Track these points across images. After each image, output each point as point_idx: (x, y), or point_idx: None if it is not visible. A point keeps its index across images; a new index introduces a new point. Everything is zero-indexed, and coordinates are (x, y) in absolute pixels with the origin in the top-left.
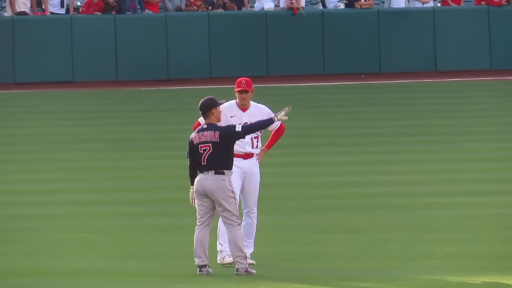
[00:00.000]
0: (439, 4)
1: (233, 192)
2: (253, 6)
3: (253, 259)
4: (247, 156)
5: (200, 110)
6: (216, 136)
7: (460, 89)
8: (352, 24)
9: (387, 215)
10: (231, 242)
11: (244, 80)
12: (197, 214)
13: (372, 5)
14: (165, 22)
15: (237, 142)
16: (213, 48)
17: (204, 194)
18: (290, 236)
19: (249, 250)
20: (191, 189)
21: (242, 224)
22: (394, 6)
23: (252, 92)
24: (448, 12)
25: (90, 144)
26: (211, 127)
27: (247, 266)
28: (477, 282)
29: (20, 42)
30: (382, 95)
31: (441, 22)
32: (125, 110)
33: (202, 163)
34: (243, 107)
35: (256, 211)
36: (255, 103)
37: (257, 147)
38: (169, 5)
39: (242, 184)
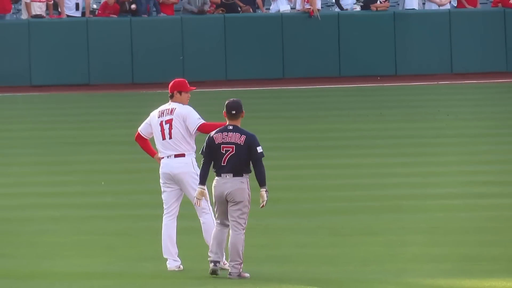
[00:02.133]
0: (455, 6)
1: (249, 195)
2: (269, 9)
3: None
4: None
5: (233, 110)
6: (242, 140)
7: (476, 91)
8: (368, 26)
9: (403, 217)
10: (232, 245)
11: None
12: (215, 215)
13: (388, 7)
14: (181, 25)
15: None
16: (228, 50)
17: (224, 199)
18: (306, 238)
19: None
20: (199, 188)
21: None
22: (407, 7)
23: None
24: (464, 14)
25: (106, 146)
26: (237, 129)
27: (241, 271)
28: (494, 284)
29: (36, 45)
30: (398, 97)
31: (457, 24)
32: (141, 112)
33: (222, 164)
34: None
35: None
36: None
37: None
38: (189, 6)
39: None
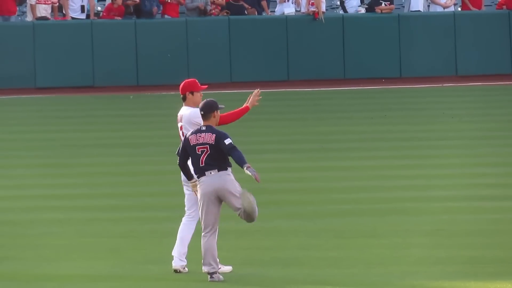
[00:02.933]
0: (459, 9)
1: (238, 187)
2: (274, 11)
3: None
4: None
5: (201, 111)
6: (213, 138)
7: (480, 94)
8: (372, 28)
9: (408, 220)
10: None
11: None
12: (201, 222)
13: (392, 9)
14: (185, 27)
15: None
16: (233, 53)
17: (214, 195)
18: (310, 240)
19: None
20: (191, 183)
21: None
22: (412, 10)
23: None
24: (468, 16)
25: (111, 149)
26: (209, 129)
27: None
28: (499, 287)
29: (41, 47)
30: (402, 100)
31: (461, 26)
32: (145, 115)
33: (200, 165)
34: None
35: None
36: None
37: None
38: (191, 5)
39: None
